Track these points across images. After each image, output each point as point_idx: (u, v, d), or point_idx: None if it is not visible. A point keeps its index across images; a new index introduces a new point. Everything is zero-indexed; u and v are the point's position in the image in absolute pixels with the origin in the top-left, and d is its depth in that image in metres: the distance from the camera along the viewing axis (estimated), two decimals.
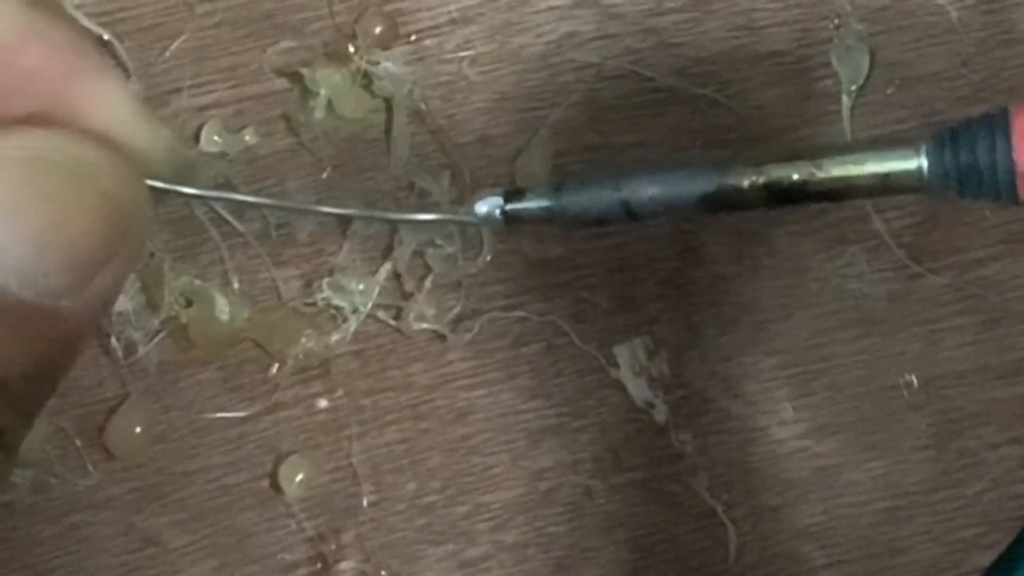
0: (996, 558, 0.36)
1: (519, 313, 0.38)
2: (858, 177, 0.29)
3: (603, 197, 0.30)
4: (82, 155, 0.23)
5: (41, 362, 0.23)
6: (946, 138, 0.29)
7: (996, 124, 0.28)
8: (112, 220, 0.23)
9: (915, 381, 0.39)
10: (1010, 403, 0.39)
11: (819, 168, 0.29)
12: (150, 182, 0.24)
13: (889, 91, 0.39)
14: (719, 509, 0.39)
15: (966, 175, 0.28)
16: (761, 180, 0.29)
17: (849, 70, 0.38)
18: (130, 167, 0.23)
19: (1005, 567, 0.35)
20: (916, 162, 0.29)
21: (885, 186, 0.29)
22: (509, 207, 0.30)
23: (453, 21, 0.38)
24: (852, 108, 0.38)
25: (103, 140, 0.23)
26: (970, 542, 0.39)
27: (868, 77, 0.39)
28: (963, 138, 0.28)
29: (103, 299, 0.23)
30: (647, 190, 0.30)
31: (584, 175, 0.31)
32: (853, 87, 0.38)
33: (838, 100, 0.39)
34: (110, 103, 0.24)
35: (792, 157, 0.29)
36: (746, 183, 0.29)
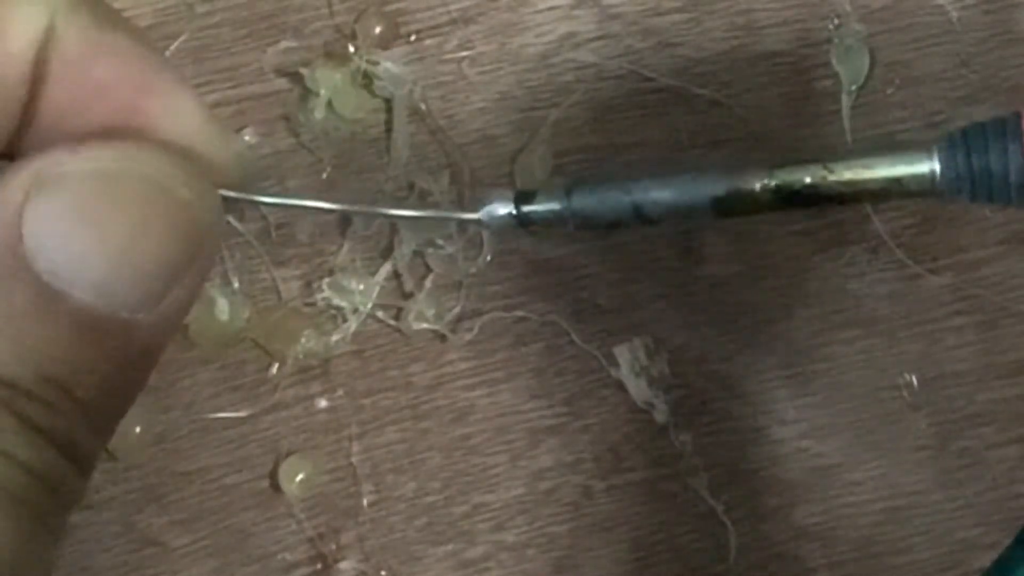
0: (996, 558, 0.36)
1: (519, 313, 0.38)
2: (870, 181, 0.29)
3: (614, 200, 0.30)
4: (158, 166, 0.23)
5: (117, 375, 0.23)
6: (958, 141, 0.28)
7: (1009, 127, 0.28)
8: (188, 232, 0.23)
9: (915, 381, 0.39)
10: (1010, 403, 0.39)
11: (831, 171, 0.29)
12: (222, 192, 0.24)
13: (889, 91, 0.39)
14: (719, 509, 0.39)
15: (979, 179, 0.28)
16: (772, 183, 0.29)
17: (849, 70, 0.38)
18: (203, 178, 0.23)
19: (1005, 567, 0.35)
20: (928, 166, 0.29)
21: (897, 190, 0.29)
22: (521, 209, 0.30)
23: (453, 21, 0.38)
24: (852, 108, 0.38)
25: (177, 151, 0.23)
26: (970, 542, 0.39)
27: (868, 77, 0.39)
28: (975, 141, 0.28)
29: (178, 312, 0.23)
30: (658, 194, 0.30)
31: (595, 178, 0.31)
32: (853, 87, 0.38)
33: (838, 100, 0.39)
34: (182, 114, 0.24)
35: (803, 160, 0.29)
36: (757, 186, 0.29)
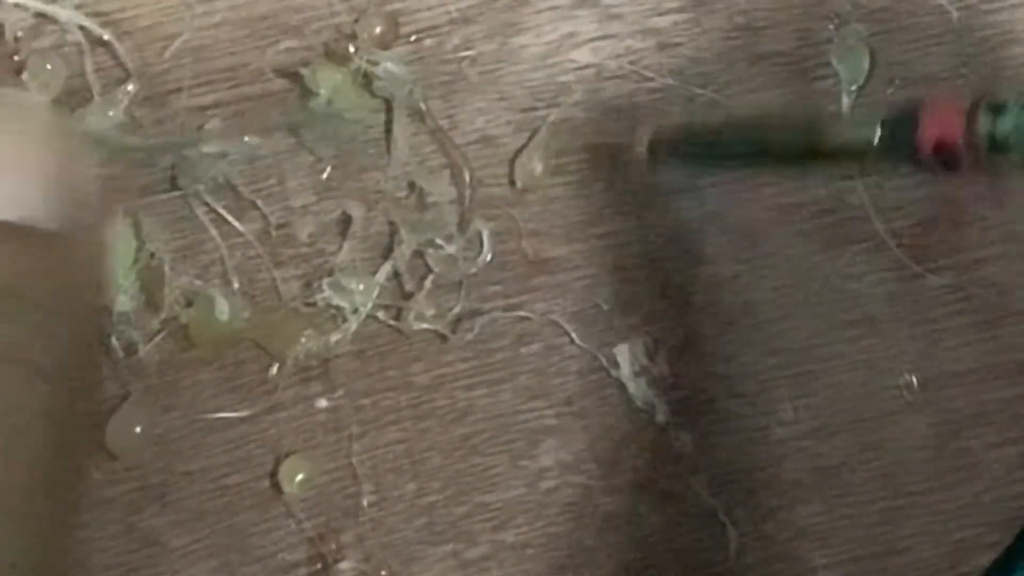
0: (996, 558, 0.36)
1: (519, 313, 0.38)
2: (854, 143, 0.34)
3: (736, 144, 0.36)
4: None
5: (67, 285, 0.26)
6: (890, 116, 0.33)
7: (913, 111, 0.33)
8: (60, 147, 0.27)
9: (915, 381, 0.39)
10: (1010, 403, 0.39)
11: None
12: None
13: (889, 91, 0.39)
14: (719, 509, 0.39)
15: (895, 146, 0.33)
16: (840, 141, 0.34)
17: (849, 70, 0.38)
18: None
19: (1005, 567, 0.35)
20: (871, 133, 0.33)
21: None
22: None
23: (453, 21, 0.38)
24: (852, 108, 0.38)
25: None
26: (970, 542, 0.39)
27: (868, 77, 0.39)
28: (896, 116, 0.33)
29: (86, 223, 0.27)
30: (760, 137, 0.36)
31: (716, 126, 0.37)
32: (853, 87, 0.38)
33: (838, 100, 0.39)
34: None
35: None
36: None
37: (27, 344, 0.25)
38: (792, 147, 0.35)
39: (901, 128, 0.33)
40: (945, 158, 0.32)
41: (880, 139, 0.33)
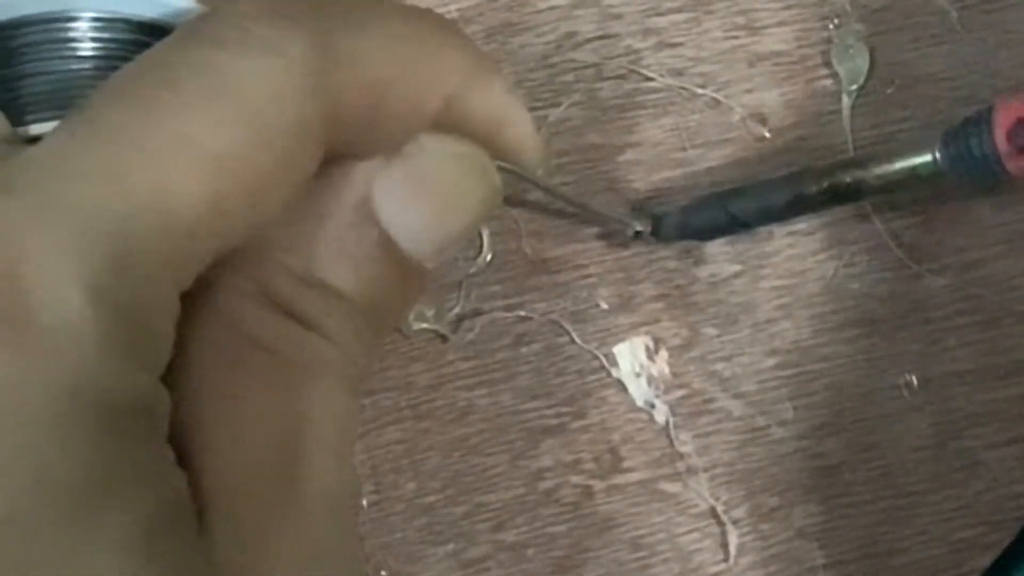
0: (996, 558, 0.36)
1: (519, 313, 0.38)
2: (894, 172, 0.36)
3: (715, 214, 0.37)
4: (481, 154, 0.28)
5: (405, 309, 0.30)
6: (949, 136, 0.35)
7: (983, 119, 0.35)
8: (487, 210, 0.28)
9: (915, 381, 0.39)
10: (1010, 403, 0.39)
11: (865, 170, 0.36)
12: (500, 163, 0.28)
13: (889, 91, 0.39)
14: (719, 509, 0.39)
15: (965, 162, 0.35)
16: (825, 185, 0.36)
17: (849, 70, 0.39)
18: (493, 165, 0.28)
19: (1005, 567, 0.35)
20: (931, 156, 0.36)
21: (915, 176, 0.36)
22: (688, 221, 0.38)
23: (453, 21, 0.38)
24: (852, 108, 0.38)
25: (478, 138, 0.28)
26: (970, 542, 0.39)
27: (868, 77, 0.39)
28: (960, 134, 0.35)
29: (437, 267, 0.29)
30: (747, 204, 0.37)
31: (697, 199, 0.38)
32: (853, 87, 0.39)
33: (838, 100, 0.39)
34: (497, 96, 0.28)
35: (844, 164, 0.37)
36: (814, 190, 0.36)
37: None
38: (831, 191, 0.36)
39: (967, 133, 0.35)
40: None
41: (944, 153, 0.35)
